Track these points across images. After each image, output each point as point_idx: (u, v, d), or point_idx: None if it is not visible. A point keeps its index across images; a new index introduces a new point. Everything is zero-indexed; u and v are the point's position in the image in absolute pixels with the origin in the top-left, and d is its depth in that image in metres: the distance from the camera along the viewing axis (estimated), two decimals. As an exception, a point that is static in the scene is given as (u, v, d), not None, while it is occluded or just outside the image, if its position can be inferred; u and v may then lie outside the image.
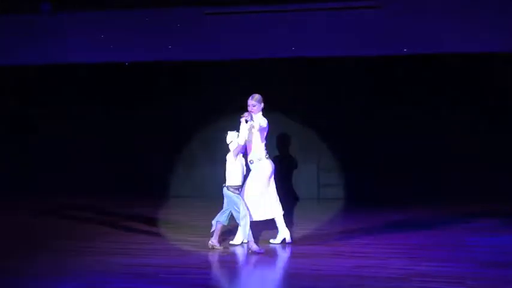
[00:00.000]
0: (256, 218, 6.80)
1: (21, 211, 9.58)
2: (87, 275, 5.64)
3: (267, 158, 6.91)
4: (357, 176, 10.59)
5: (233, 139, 6.72)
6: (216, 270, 6.07)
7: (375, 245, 6.83)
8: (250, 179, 6.88)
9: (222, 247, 6.72)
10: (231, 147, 6.74)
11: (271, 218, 6.92)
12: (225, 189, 6.72)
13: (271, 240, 7.00)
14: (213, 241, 6.70)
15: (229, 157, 6.73)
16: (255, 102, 6.98)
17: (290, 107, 10.63)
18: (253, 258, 6.33)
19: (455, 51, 10.36)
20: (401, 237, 7.28)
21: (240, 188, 6.69)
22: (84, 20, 10.46)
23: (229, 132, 6.80)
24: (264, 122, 6.80)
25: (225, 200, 6.73)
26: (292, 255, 6.41)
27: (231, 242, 6.96)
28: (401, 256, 6.22)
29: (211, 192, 11.17)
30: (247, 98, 7.02)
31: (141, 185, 11.10)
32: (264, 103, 7.06)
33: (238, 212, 6.57)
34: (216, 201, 10.75)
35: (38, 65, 11.48)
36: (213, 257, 6.42)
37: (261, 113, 7.02)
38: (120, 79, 11.52)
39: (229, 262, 6.30)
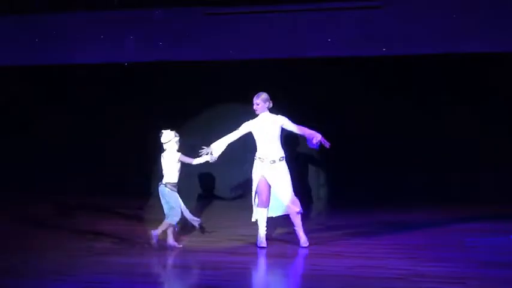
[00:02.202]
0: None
1: (19, 211, 9.57)
2: (86, 275, 5.65)
3: (282, 159, 6.99)
4: (358, 176, 10.54)
5: (171, 139, 6.83)
6: (216, 271, 6.06)
7: (375, 245, 6.81)
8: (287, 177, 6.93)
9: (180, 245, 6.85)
10: (168, 146, 6.84)
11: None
12: (162, 186, 6.80)
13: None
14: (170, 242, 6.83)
15: (171, 157, 6.82)
16: (259, 101, 7.02)
17: (291, 108, 10.58)
18: (254, 259, 6.33)
19: (455, 51, 10.34)
20: (401, 237, 7.27)
21: (176, 186, 6.79)
22: (84, 20, 10.49)
23: (164, 131, 6.89)
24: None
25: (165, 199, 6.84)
26: (292, 256, 6.40)
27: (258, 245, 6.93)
28: (402, 256, 6.21)
29: (213, 192, 11.26)
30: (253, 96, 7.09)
31: (141, 186, 11.08)
32: (270, 102, 7.09)
33: (173, 208, 6.72)
34: (216, 201, 10.88)
35: (39, 65, 11.47)
36: (213, 258, 6.41)
37: (267, 111, 7.04)
38: (119, 79, 11.50)
39: (229, 263, 6.29)
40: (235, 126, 7.16)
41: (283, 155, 6.97)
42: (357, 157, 10.55)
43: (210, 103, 10.80)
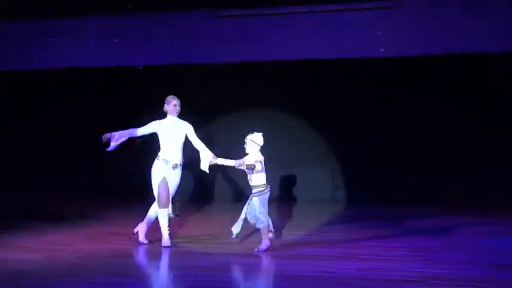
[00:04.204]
0: None
1: (25, 213, 9.51)
2: (98, 276, 5.62)
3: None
4: (370, 178, 10.56)
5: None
6: (227, 273, 6.04)
7: (387, 247, 6.82)
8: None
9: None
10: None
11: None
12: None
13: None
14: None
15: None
16: (180, 103, 7.14)
17: (302, 110, 10.64)
18: (264, 261, 6.31)
19: (455, 52, 10.37)
20: (413, 239, 7.27)
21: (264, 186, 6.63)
22: (98, 24, 10.47)
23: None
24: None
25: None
26: (303, 258, 6.38)
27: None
28: (413, 259, 6.21)
29: (217, 195, 11.24)
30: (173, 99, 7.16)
31: (145, 187, 11.03)
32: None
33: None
34: (220, 203, 10.85)
35: (46, 68, 11.44)
36: (224, 260, 6.38)
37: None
38: (133, 82, 11.43)
39: (239, 265, 6.27)
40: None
41: (183, 161, 7.08)
42: (369, 159, 10.55)
43: (212, 105, 10.80)
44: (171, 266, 6.41)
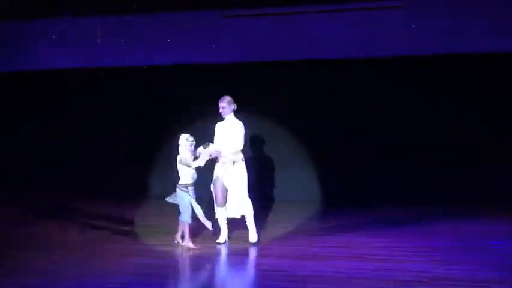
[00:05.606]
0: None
1: (29, 214, 9.49)
2: (105, 276, 5.64)
3: (242, 161, 7.13)
4: (370, 178, 10.55)
5: (180, 143, 6.92)
6: (236, 273, 6.04)
7: (396, 247, 6.83)
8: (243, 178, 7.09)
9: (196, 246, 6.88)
10: (180, 149, 6.91)
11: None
12: (177, 187, 6.94)
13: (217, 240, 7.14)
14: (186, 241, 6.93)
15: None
16: (225, 104, 7.18)
17: (303, 110, 10.63)
18: (274, 261, 6.31)
19: (456, 52, 10.40)
20: (422, 240, 7.27)
21: (187, 186, 6.84)
22: (101, 24, 10.45)
23: (181, 135, 6.97)
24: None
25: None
26: (312, 258, 6.40)
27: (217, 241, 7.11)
28: (423, 259, 6.23)
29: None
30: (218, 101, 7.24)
31: (149, 187, 11.05)
32: (235, 105, 7.25)
33: (183, 208, 6.87)
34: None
35: (46, 69, 11.41)
36: (232, 260, 6.39)
37: (232, 114, 7.22)
38: (137, 83, 11.41)
39: (248, 265, 6.27)
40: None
41: (243, 157, 7.14)
42: (377, 159, 10.55)
43: (213, 105, 10.76)
44: (180, 267, 6.41)
